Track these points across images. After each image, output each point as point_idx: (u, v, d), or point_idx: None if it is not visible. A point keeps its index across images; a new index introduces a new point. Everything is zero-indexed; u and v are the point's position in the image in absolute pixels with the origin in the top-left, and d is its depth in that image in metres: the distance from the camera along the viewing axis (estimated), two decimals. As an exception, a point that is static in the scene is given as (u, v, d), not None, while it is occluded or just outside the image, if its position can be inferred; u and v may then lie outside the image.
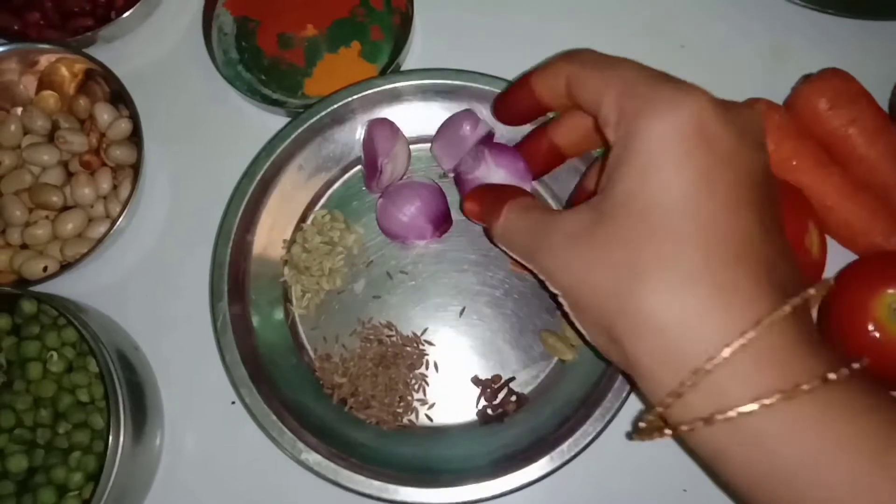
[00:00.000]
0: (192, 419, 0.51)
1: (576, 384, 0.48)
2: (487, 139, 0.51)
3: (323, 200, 0.53)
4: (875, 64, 0.53)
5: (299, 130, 0.51)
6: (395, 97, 0.52)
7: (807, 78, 0.52)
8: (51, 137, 0.54)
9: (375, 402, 0.48)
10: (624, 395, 0.45)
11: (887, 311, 0.44)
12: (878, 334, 0.44)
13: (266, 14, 0.58)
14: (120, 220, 0.50)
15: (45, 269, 0.51)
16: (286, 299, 0.51)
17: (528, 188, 0.47)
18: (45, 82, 0.56)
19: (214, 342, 0.51)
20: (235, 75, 0.56)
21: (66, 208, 0.53)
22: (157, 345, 0.52)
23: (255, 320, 0.50)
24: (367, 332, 0.50)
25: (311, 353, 0.50)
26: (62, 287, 0.51)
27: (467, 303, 0.51)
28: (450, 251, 0.52)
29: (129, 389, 0.46)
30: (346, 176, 0.54)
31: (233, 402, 0.51)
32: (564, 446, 0.44)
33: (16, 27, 0.56)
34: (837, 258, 0.49)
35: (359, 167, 0.53)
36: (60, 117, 0.54)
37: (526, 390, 0.49)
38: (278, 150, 0.51)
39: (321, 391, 0.49)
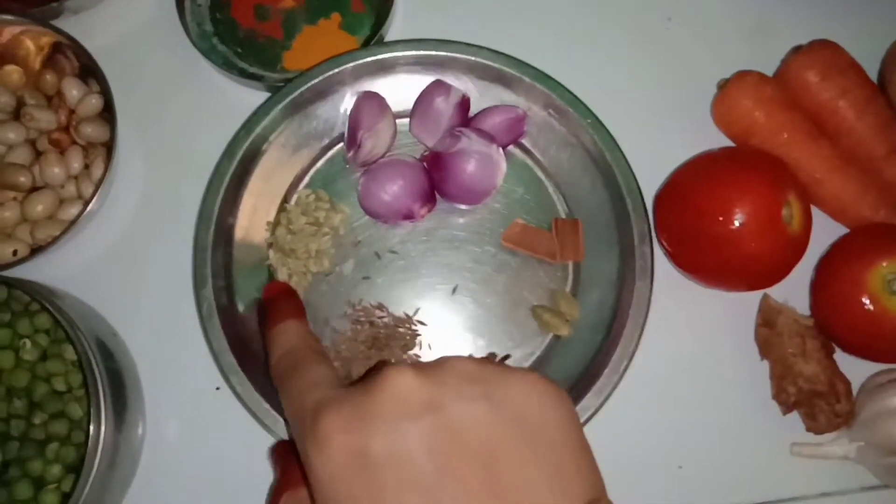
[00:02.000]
0: (175, 406, 0.49)
1: (572, 359, 0.47)
2: (463, 106, 0.50)
3: (306, 180, 0.52)
4: (863, 36, 0.52)
5: (280, 106, 0.49)
6: (381, 69, 0.51)
7: (797, 50, 0.52)
8: (16, 115, 0.51)
9: None
10: (621, 369, 0.45)
11: (881, 284, 0.44)
12: (872, 307, 0.44)
13: (242, -16, 0.55)
14: (93, 200, 0.48)
15: (14, 252, 0.49)
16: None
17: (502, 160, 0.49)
18: (7, 56, 0.53)
19: (196, 327, 0.49)
20: (210, 48, 0.54)
21: (34, 189, 0.51)
22: (135, 330, 0.50)
23: (240, 306, 0.48)
24: (357, 315, 0.49)
25: None
26: (33, 271, 0.49)
27: (459, 281, 0.50)
28: (439, 229, 0.51)
29: (108, 378, 0.44)
30: (330, 153, 0.52)
31: (217, 388, 0.49)
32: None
33: (-26, -2, 0.53)
34: (829, 231, 0.49)
35: (341, 144, 0.52)
36: (26, 93, 0.52)
37: (525, 366, 0.49)
38: (258, 128, 0.49)
39: None
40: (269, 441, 0.48)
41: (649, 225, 0.47)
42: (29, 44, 0.52)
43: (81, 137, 0.51)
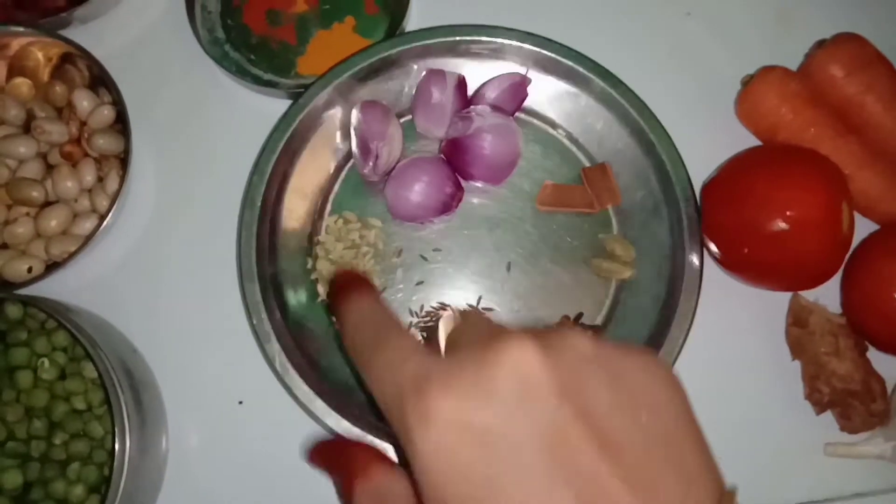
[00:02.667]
0: (198, 421, 0.48)
1: (644, 297, 0.47)
2: (461, 88, 0.50)
3: (329, 207, 0.51)
4: (888, 28, 0.51)
5: (288, 135, 0.48)
6: (376, 70, 0.50)
7: (821, 44, 0.51)
8: (26, 128, 0.50)
9: None
10: (696, 291, 0.45)
11: (916, 281, 0.43)
12: (906, 304, 0.43)
13: (252, -11, 0.54)
14: (110, 214, 0.47)
15: (29, 269, 0.48)
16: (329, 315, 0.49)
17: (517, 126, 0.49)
18: (15, 68, 0.52)
19: (217, 340, 0.49)
20: (223, 55, 0.53)
21: (47, 204, 0.49)
22: (153, 345, 0.49)
23: (318, 359, 0.47)
24: (423, 321, 0.48)
25: None
26: (47, 288, 0.48)
27: (509, 257, 0.50)
28: (473, 214, 0.50)
29: (131, 396, 0.43)
30: (342, 175, 0.51)
31: (240, 402, 0.48)
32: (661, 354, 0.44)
33: (-21, 9, 0.52)
34: (859, 229, 0.48)
35: (350, 163, 0.51)
36: (35, 105, 0.51)
37: (598, 320, 0.48)
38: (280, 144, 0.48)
39: None
40: (294, 454, 0.47)
41: (676, 150, 0.48)
42: (38, 55, 0.51)
43: (94, 149, 0.50)
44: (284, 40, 0.53)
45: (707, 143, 0.50)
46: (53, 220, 0.49)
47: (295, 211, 0.50)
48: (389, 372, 0.28)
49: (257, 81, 0.52)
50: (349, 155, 0.51)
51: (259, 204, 0.47)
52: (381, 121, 0.48)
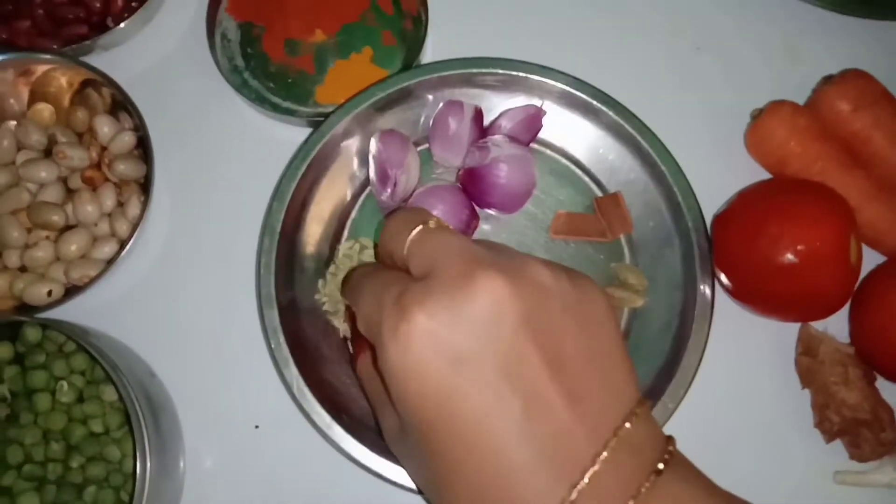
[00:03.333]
0: (214, 445, 0.48)
1: (655, 325, 0.48)
2: (478, 119, 0.51)
3: (345, 234, 0.51)
4: (890, 64, 0.53)
5: (301, 172, 0.49)
6: (397, 100, 0.51)
7: (828, 79, 0.52)
8: (47, 153, 0.51)
9: None
10: (708, 322, 0.46)
11: (922, 312, 0.44)
12: (914, 335, 0.44)
13: (271, 19, 0.55)
14: (132, 239, 0.47)
15: (49, 293, 0.48)
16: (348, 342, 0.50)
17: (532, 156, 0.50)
18: (38, 94, 0.52)
19: (234, 365, 0.49)
20: (242, 83, 0.54)
21: (67, 228, 0.50)
22: (171, 369, 0.49)
23: (335, 385, 0.48)
24: None
25: None
26: (65, 312, 0.48)
27: None
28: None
29: (151, 419, 0.44)
30: (359, 202, 0.52)
31: (256, 427, 0.49)
32: (670, 387, 0.45)
33: (4, 36, 0.53)
34: (865, 260, 0.49)
35: (367, 191, 0.52)
36: (57, 131, 0.51)
37: None
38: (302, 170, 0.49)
39: None
40: (310, 479, 0.48)
41: (686, 180, 0.49)
42: (60, 80, 0.52)
43: (114, 175, 0.51)
44: (303, 69, 0.54)
45: (718, 174, 0.51)
46: (73, 245, 0.49)
47: (313, 236, 0.50)
48: (373, 294, 0.32)
49: (276, 109, 0.53)
50: (366, 182, 0.52)
51: (278, 230, 0.47)
52: (399, 149, 0.49)
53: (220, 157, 0.54)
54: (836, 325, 0.49)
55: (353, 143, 0.51)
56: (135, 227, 0.48)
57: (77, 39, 0.52)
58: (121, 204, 0.51)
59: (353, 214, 0.52)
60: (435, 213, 0.48)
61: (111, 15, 0.54)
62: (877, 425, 0.46)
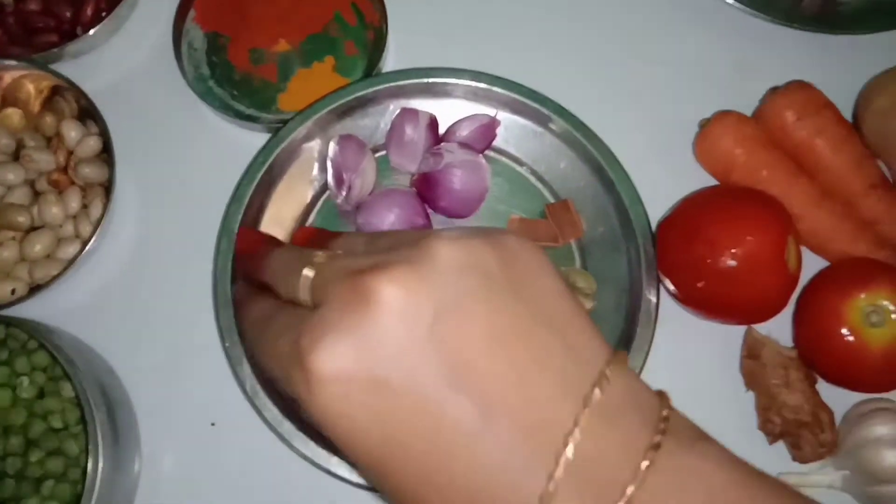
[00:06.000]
0: (171, 442, 0.50)
1: (604, 327, 0.49)
2: (433, 127, 0.52)
3: None
4: (838, 76, 0.54)
5: (260, 175, 0.50)
6: (352, 108, 0.53)
7: (774, 90, 0.54)
8: (15, 156, 0.53)
9: None
10: (652, 325, 0.47)
11: (860, 316, 0.45)
12: (852, 339, 0.45)
13: (237, 29, 0.57)
14: (92, 240, 0.49)
15: (13, 291, 0.49)
16: None
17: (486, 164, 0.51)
18: (8, 99, 0.54)
19: (192, 365, 0.51)
20: (207, 91, 0.56)
21: (33, 229, 0.51)
22: (131, 368, 0.50)
23: None
24: None
25: None
26: (29, 310, 0.49)
27: None
28: None
29: (106, 415, 0.45)
30: (318, 205, 0.53)
31: (212, 424, 0.50)
32: None
33: (-24, 44, 0.54)
34: (808, 265, 0.50)
35: (326, 194, 0.53)
36: (25, 135, 0.53)
37: None
38: (260, 174, 0.50)
39: None
40: (269, 479, 0.49)
41: (634, 188, 0.50)
42: (30, 87, 0.54)
43: (80, 178, 0.52)
44: (266, 78, 0.56)
45: (667, 182, 0.53)
46: (38, 245, 0.50)
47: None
48: (270, 349, 0.28)
49: (239, 116, 0.55)
50: (325, 187, 0.53)
51: (235, 232, 0.49)
52: (355, 153, 0.51)
53: (185, 162, 0.55)
54: (781, 330, 0.50)
55: (313, 148, 0.52)
56: (96, 227, 0.49)
57: (47, 47, 0.54)
58: (85, 206, 0.52)
59: (311, 218, 0.53)
60: (388, 215, 0.50)
61: (81, 24, 0.55)
62: (817, 427, 0.47)
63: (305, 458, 0.45)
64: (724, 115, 0.52)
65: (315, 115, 0.51)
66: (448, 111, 0.53)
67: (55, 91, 0.54)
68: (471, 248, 0.27)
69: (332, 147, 0.51)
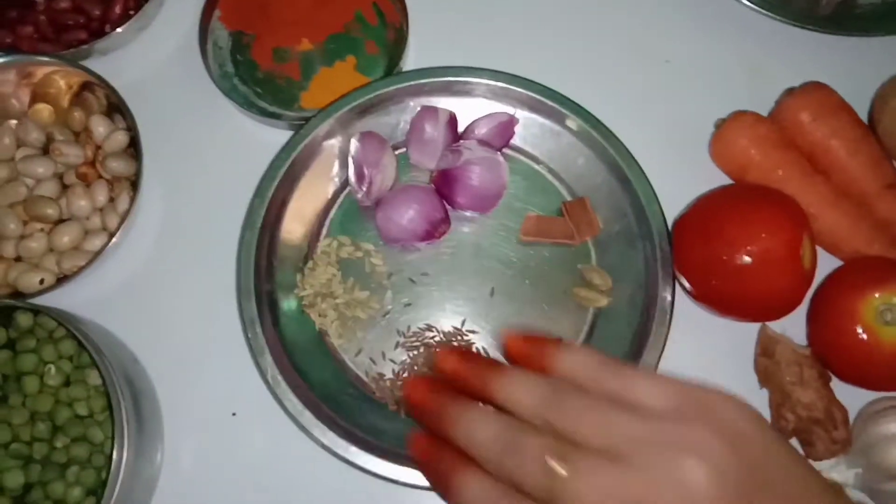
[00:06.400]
0: (193, 430, 0.51)
1: (619, 324, 0.50)
2: (452, 124, 0.53)
3: (324, 231, 0.54)
4: (853, 78, 0.55)
5: (283, 170, 0.52)
6: (372, 105, 0.54)
7: (790, 91, 0.54)
8: (45, 150, 0.54)
9: None
10: (667, 322, 0.48)
11: (874, 314, 0.46)
12: (866, 337, 0.46)
13: (261, 29, 0.58)
14: (118, 232, 0.50)
15: (41, 281, 0.51)
16: (323, 335, 0.52)
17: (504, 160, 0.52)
18: (38, 95, 0.55)
19: (214, 354, 0.52)
20: (231, 88, 0.57)
21: (61, 221, 0.53)
22: (154, 357, 0.51)
23: (308, 372, 0.50)
24: (410, 342, 0.51)
25: (364, 378, 0.51)
26: (56, 300, 0.51)
27: (493, 283, 0.52)
28: (460, 242, 0.53)
29: (131, 402, 0.46)
30: (339, 201, 0.54)
31: (233, 414, 0.51)
32: None
33: (8, 40, 0.56)
34: (823, 264, 0.51)
35: (347, 190, 0.54)
36: (55, 129, 0.54)
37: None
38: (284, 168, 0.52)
39: (385, 410, 0.50)
40: (286, 464, 0.50)
41: (650, 186, 0.51)
42: (60, 82, 0.55)
43: (107, 172, 0.53)
44: (289, 76, 0.57)
45: (683, 181, 0.53)
46: (66, 237, 0.52)
47: (293, 233, 0.53)
48: None
49: (262, 113, 0.56)
50: (346, 183, 0.54)
51: (259, 226, 0.50)
52: (376, 150, 0.52)
53: (208, 158, 0.56)
54: (795, 328, 0.50)
55: (334, 145, 0.54)
56: (122, 220, 0.50)
57: (77, 44, 0.55)
58: (112, 199, 0.53)
59: (332, 213, 0.54)
60: (408, 211, 0.50)
61: (109, 22, 0.57)
62: (830, 424, 0.47)
63: (324, 446, 0.46)
64: (739, 115, 0.53)
65: (336, 113, 0.52)
66: (467, 109, 0.54)
67: (84, 87, 0.55)
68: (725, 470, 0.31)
69: (354, 143, 0.52)
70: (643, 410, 0.33)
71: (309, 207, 0.54)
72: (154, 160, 0.55)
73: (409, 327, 0.51)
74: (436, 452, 0.35)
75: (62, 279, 0.51)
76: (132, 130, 0.53)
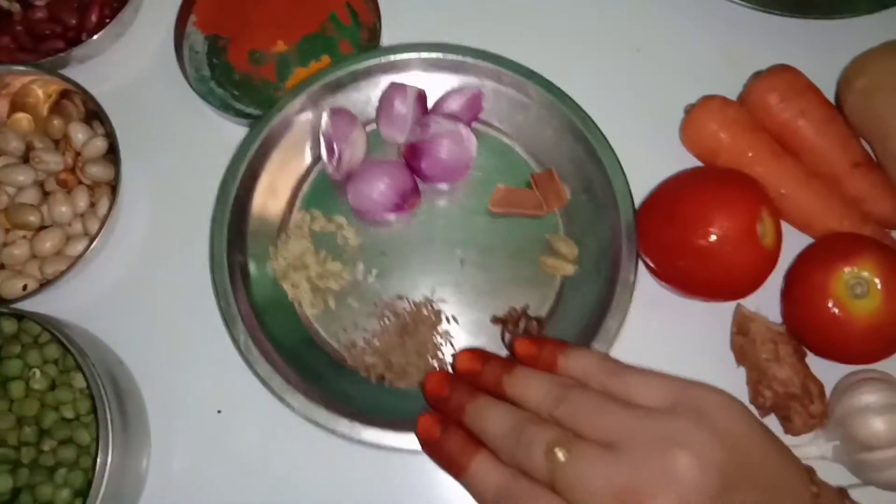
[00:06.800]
0: (179, 430, 0.51)
1: (584, 292, 0.51)
2: (421, 100, 0.54)
3: (298, 204, 0.55)
4: (820, 60, 0.55)
5: (256, 145, 0.53)
6: (341, 85, 0.55)
7: (758, 74, 0.55)
8: (25, 158, 0.55)
9: (412, 367, 0.50)
10: (630, 288, 0.49)
11: (844, 289, 0.46)
12: (837, 311, 0.46)
13: (236, 32, 0.59)
14: (98, 237, 0.51)
15: (24, 287, 0.51)
16: (295, 305, 0.53)
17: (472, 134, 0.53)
18: (17, 104, 0.56)
19: (197, 353, 0.52)
20: (208, 91, 0.58)
21: (43, 227, 0.53)
22: (140, 358, 0.52)
23: (276, 339, 0.50)
24: (381, 311, 0.52)
25: (336, 346, 0.52)
26: (41, 305, 0.51)
27: (463, 254, 0.53)
28: (431, 213, 0.55)
29: (116, 404, 0.46)
30: (312, 176, 0.56)
31: (219, 412, 0.51)
32: (595, 345, 0.48)
33: (-14, 51, 0.57)
34: (797, 243, 0.52)
35: (320, 165, 0.55)
36: (35, 138, 0.55)
37: (542, 312, 0.52)
38: (248, 157, 0.52)
39: (356, 377, 0.51)
40: (272, 462, 0.50)
41: (615, 155, 0.52)
42: (38, 91, 0.56)
43: (87, 177, 0.54)
44: (266, 77, 0.58)
45: (656, 167, 0.54)
46: (48, 242, 0.52)
47: (267, 206, 0.54)
48: None
49: (240, 115, 0.56)
50: (319, 158, 0.55)
51: (232, 198, 0.51)
52: (346, 125, 0.53)
53: (188, 160, 0.57)
54: (770, 306, 0.51)
55: (307, 121, 0.55)
56: (102, 224, 0.51)
57: (54, 52, 0.56)
58: (93, 205, 0.54)
59: (305, 187, 0.55)
60: (378, 183, 0.52)
61: (86, 30, 0.57)
62: (806, 399, 0.48)
63: (295, 410, 0.47)
64: (708, 99, 0.54)
65: (309, 89, 0.54)
66: (437, 86, 0.56)
67: (63, 95, 0.56)
68: (706, 469, 0.34)
69: (325, 118, 0.53)
70: (639, 406, 0.37)
71: (282, 182, 0.55)
72: (135, 165, 0.56)
73: (380, 297, 0.52)
74: (446, 436, 0.40)
75: (45, 284, 0.51)
76: (110, 136, 0.54)
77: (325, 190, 0.55)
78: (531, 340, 0.43)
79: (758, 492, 0.35)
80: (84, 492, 0.46)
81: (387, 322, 0.52)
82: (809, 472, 0.38)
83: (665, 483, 0.33)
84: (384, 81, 0.55)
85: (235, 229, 0.51)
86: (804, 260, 0.50)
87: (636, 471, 0.34)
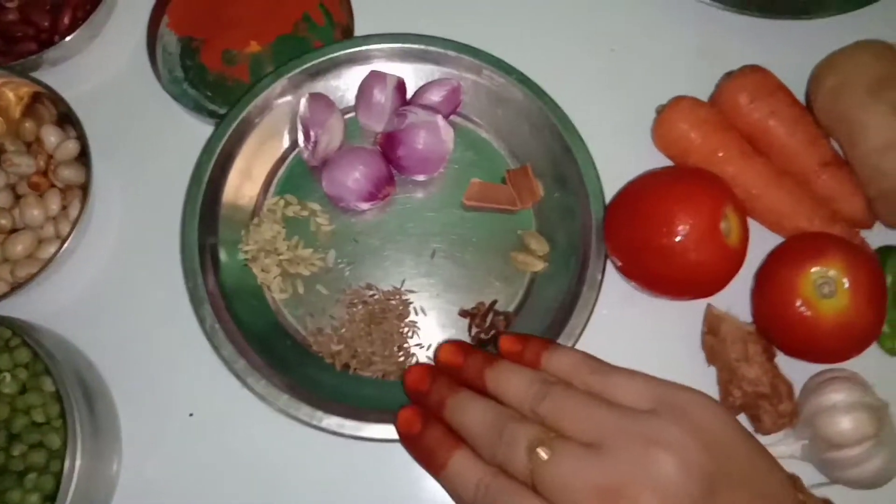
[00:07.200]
0: (150, 433, 0.51)
1: (553, 288, 0.51)
2: (400, 89, 0.55)
3: (272, 189, 0.55)
4: (792, 60, 0.56)
5: (232, 127, 0.53)
6: (321, 71, 0.55)
7: (728, 75, 0.55)
8: (-3, 162, 0.54)
9: (377, 357, 0.50)
10: (597, 286, 0.49)
11: (812, 288, 0.47)
12: (805, 310, 0.46)
13: (209, 32, 0.59)
14: (69, 239, 0.50)
15: (-6, 290, 0.51)
16: (264, 289, 0.53)
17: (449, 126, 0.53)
18: (-11, 107, 0.56)
19: (170, 357, 0.52)
20: (181, 92, 0.58)
21: (14, 230, 0.53)
22: (111, 362, 0.52)
23: (243, 322, 0.50)
24: (349, 298, 0.52)
25: (303, 332, 0.52)
26: (13, 309, 0.51)
27: (434, 246, 0.54)
28: (405, 204, 0.55)
29: (86, 407, 0.46)
30: (288, 161, 0.56)
31: (190, 415, 0.51)
32: (560, 342, 0.48)
33: (-43, 54, 0.56)
34: (768, 243, 0.52)
35: (296, 151, 0.55)
36: (6, 141, 0.55)
37: (510, 308, 0.52)
38: (218, 149, 0.53)
39: (321, 363, 0.51)
40: (243, 467, 0.50)
41: (589, 153, 0.52)
42: (10, 94, 0.55)
43: (59, 180, 0.54)
44: (239, 78, 0.58)
45: (629, 167, 0.54)
46: (20, 245, 0.52)
47: (241, 190, 0.54)
48: None
49: (213, 116, 0.56)
50: (296, 144, 0.55)
51: (205, 180, 0.51)
52: (323, 110, 0.53)
53: (162, 162, 0.57)
54: (740, 305, 0.51)
55: (287, 106, 0.55)
56: (73, 227, 0.51)
57: (26, 55, 0.56)
58: (65, 208, 0.54)
59: (280, 172, 0.56)
60: (353, 171, 0.52)
61: (58, 32, 0.57)
62: (776, 398, 0.48)
63: (258, 395, 0.47)
64: (678, 100, 0.54)
65: (289, 73, 0.54)
66: (417, 77, 0.56)
67: (35, 98, 0.56)
68: (687, 459, 0.34)
69: (303, 103, 0.53)
70: (621, 406, 0.37)
71: (258, 166, 0.55)
72: (107, 167, 0.56)
73: (350, 285, 0.53)
74: (425, 430, 0.40)
75: (16, 287, 0.51)
76: (82, 139, 0.53)
77: (301, 176, 0.55)
78: (516, 337, 0.42)
79: (745, 496, 0.35)
80: (54, 496, 0.46)
81: (355, 310, 0.52)
82: (794, 479, 0.38)
83: (648, 483, 0.33)
84: (364, 70, 0.55)
85: (208, 210, 0.52)
86: (773, 259, 0.50)
87: (619, 471, 0.34)
